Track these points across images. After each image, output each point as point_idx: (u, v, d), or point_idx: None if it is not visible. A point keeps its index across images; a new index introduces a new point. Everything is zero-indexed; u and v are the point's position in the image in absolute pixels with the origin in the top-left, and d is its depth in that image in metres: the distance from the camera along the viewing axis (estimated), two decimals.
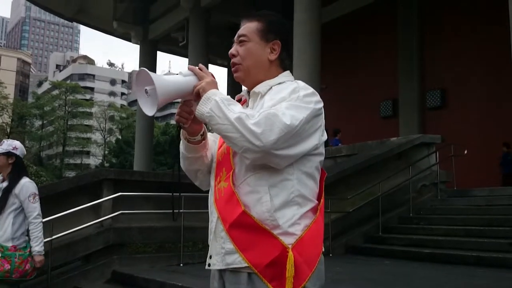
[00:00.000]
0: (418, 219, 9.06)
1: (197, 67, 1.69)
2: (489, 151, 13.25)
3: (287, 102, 1.60)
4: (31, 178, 4.42)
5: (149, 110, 1.61)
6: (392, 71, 16.14)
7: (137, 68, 23.13)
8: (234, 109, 1.56)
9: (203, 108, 1.59)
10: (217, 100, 1.57)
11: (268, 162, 1.57)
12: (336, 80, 17.49)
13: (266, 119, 1.52)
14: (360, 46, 17.29)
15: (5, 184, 4.18)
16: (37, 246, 4.08)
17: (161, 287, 5.47)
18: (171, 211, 6.90)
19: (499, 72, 13.00)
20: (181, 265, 6.79)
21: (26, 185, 4.15)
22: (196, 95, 1.63)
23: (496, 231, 7.68)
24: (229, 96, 1.63)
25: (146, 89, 1.60)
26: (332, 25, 16.52)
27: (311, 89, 1.68)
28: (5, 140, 4.37)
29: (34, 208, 4.12)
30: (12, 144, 4.26)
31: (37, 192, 4.21)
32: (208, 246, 1.75)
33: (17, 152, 4.24)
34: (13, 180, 4.16)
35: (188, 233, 6.93)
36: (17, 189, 4.12)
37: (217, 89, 1.65)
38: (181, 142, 1.82)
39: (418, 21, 15.92)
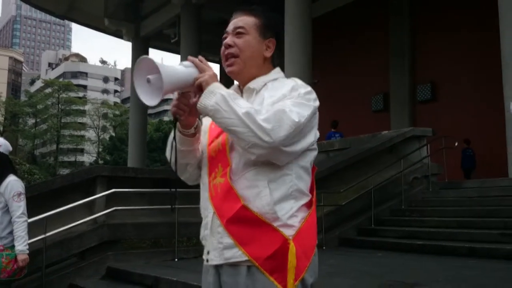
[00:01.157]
0: (410, 211, 9.13)
1: (197, 59, 1.66)
2: (479, 143, 13.36)
3: (290, 99, 1.61)
4: (22, 176, 4.35)
5: (150, 99, 1.56)
6: (383, 65, 16.19)
7: (129, 66, 23.05)
8: (241, 104, 1.55)
9: (206, 101, 1.57)
10: (223, 94, 1.56)
11: (273, 158, 1.58)
12: (328, 74, 17.53)
13: (275, 115, 1.53)
14: (351, 41, 17.33)
15: None
16: (20, 245, 3.96)
17: (156, 282, 5.49)
18: (165, 206, 6.93)
19: (488, 65, 13.07)
20: (176, 260, 6.81)
21: (11, 184, 4.03)
22: (198, 88, 1.61)
23: (487, 222, 7.75)
24: (233, 91, 1.64)
25: (148, 78, 1.54)
26: (323, 19, 16.54)
27: (309, 87, 1.70)
28: None
29: (18, 207, 3.99)
30: None
31: (23, 191, 4.08)
32: (200, 241, 1.76)
33: (1, 149, 4.12)
34: None
35: (183, 228, 6.95)
36: (2, 188, 4.01)
37: (219, 82, 1.63)
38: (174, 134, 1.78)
39: (409, 15, 15.99)
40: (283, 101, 1.60)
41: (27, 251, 4.04)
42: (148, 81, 1.55)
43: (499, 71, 9.96)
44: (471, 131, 13.49)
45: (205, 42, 18.24)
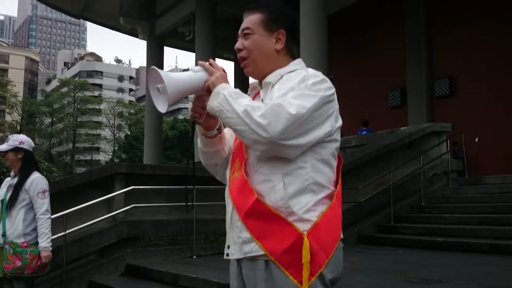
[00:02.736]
0: (430, 208, 9.02)
1: (207, 63, 1.70)
2: (499, 138, 13.15)
3: (294, 91, 1.59)
4: (42, 173, 4.37)
5: (161, 107, 1.66)
6: (400, 60, 16.01)
7: (144, 64, 23.16)
8: (242, 102, 1.56)
9: (213, 102, 1.61)
10: (225, 94, 1.59)
11: (278, 153, 1.57)
12: (344, 70, 17.38)
13: (272, 110, 1.52)
14: (367, 36, 17.17)
15: (16, 180, 4.14)
16: (43, 242, 4.02)
17: (175, 279, 5.50)
18: (183, 203, 6.92)
19: (508, 59, 12.89)
20: (194, 257, 6.81)
21: (36, 181, 4.09)
22: (207, 90, 1.65)
23: (509, 218, 7.62)
24: (238, 90, 1.64)
25: (157, 87, 1.64)
26: (338, 15, 16.43)
27: (320, 76, 1.67)
28: (10, 136, 4.29)
29: (42, 204, 4.05)
30: (17, 139, 4.19)
31: (47, 188, 4.14)
32: (222, 237, 1.76)
33: (25, 146, 4.17)
34: (23, 176, 4.11)
35: (201, 225, 6.95)
36: (27, 185, 4.07)
37: (227, 83, 1.66)
38: (198, 137, 1.84)
39: (425, 8, 15.78)
40: (287, 94, 1.59)
41: (51, 248, 4.10)
42: (158, 90, 1.65)
43: None
44: (491, 125, 13.27)
45: (220, 39, 18.21)
